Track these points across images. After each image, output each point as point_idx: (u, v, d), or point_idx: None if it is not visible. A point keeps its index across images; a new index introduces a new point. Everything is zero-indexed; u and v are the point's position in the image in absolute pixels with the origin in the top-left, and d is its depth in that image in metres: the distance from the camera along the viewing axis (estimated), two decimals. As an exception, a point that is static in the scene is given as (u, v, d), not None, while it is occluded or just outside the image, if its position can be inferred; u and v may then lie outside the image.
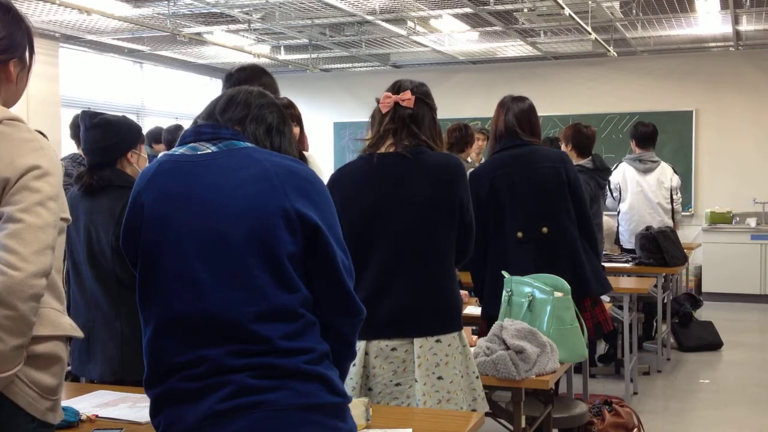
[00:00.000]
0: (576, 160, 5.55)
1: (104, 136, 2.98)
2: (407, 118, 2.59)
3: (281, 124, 1.81)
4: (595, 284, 3.52)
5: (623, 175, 6.55)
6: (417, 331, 2.51)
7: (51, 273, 1.60)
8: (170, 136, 5.12)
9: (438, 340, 2.51)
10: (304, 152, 2.85)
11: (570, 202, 3.50)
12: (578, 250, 3.47)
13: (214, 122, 1.75)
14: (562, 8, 6.84)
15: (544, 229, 3.44)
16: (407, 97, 2.60)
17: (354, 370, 2.51)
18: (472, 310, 3.77)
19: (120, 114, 3.17)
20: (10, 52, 1.73)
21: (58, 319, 1.69)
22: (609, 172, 5.88)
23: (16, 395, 1.61)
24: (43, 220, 1.56)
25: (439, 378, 2.49)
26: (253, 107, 1.78)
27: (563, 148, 5.65)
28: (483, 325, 3.51)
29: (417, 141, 2.58)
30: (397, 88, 2.65)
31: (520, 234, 3.43)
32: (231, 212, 1.64)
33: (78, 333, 1.76)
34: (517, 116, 3.53)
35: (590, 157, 5.63)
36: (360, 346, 2.51)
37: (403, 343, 2.52)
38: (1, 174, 1.58)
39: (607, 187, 6.32)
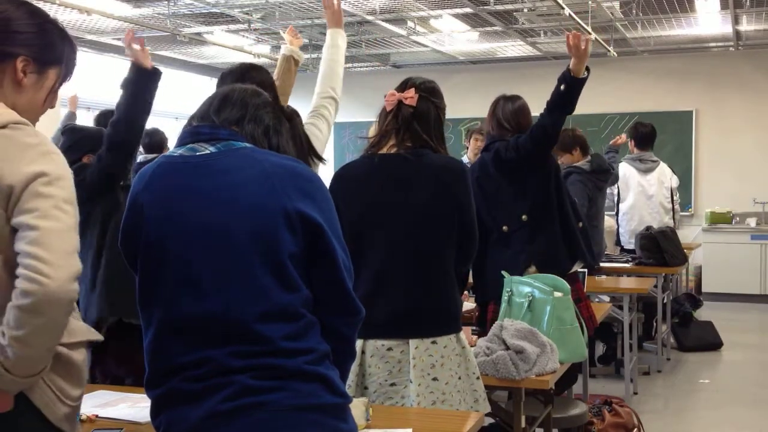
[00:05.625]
0: (579, 161, 5.55)
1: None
2: (410, 117, 2.58)
3: (278, 124, 1.81)
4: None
5: (624, 175, 6.55)
6: (412, 332, 2.50)
7: None
8: (147, 139, 5.08)
9: (434, 342, 2.50)
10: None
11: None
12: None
13: (210, 123, 1.75)
14: (562, 8, 6.85)
15: (505, 228, 3.52)
16: (410, 95, 2.58)
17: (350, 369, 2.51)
18: (468, 306, 3.78)
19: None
20: (19, 47, 1.67)
21: (73, 325, 1.64)
22: (608, 173, 5.80)
23: (33, 393, 1.57)
24: (64, 222, 1.51)
25: (434, 379, 2.48)
26: (249, 107, 1.77)
27: (571, 153, 5.59)
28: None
29: (419, 142, 2.57)
30: (403, 85, 2.64)
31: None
32: (232, 212, 1.63)
33: (96, 336, 1.72)
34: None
35: (588, 158, 5.60)
36: (357, 344, 2.51)
37: (398, 344, 2.51)
38: (5, 180, 1.52)
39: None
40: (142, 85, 3.10)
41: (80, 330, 1.67)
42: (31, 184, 1.51)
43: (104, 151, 3.17)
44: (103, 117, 3.74)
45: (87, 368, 1.71)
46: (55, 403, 1.60)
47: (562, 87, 3.31)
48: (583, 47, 3.27)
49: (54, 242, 1.47)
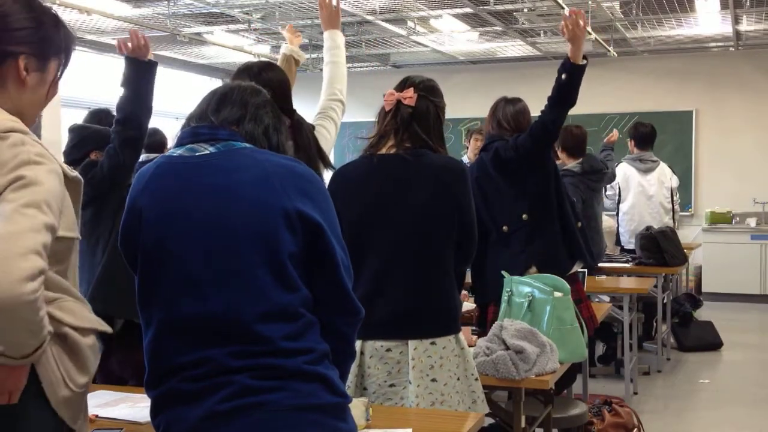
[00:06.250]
0: (566, 163, 5.50)
1: None
2: (409, 117, 2.56)
3: (278, 123, 1.81)
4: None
5: (624, 174, 6.55)
6: (411, 333, 2.50)
7: (43, 276, 1.47)
8: (148, 139, 5.04)
9: (433, 343, 2.50)
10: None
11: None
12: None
13: (209, 123, 1.74)
14: (562, 8, 6.85)
15: (505, 228, 3.52)
16: (409, 95, 2.57)
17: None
18: (468, 306, 3.78)
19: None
20: (21, 46, 1.64)
21: (81, 312, 1.65)
22: (601, 174, 5.75)
23: (42, 368, 1.55)
24: (20, 225, 1.45)
25: (433, 380, 2.48)
26: (249, 107, 1.76)
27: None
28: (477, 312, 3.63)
29: (419, 142, 2.56)
30: (402, 85, 2.63)
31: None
32: (232, 213, 1.63)
33: (105, 328, 1.71)
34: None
35: (580, 160, 5.55)
36: (356, 345, 2.50)
37: (397, 345, 2.51)
38: None
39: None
40: (144, 79, 3.10)
41: (87, 318, 1.66)
42: (5, 191, 1.49)
43: (117, 149, 3.16)
44: (94, 116, 3.73)
45: (97, 359, 1.69)
46: (59, 384, 1.58)
47: (563, 76, 3.31)
48: (582, 24, 3.28)
49: (3, 246, 1.42)
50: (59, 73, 1.74)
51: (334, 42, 3.05)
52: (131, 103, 3.11)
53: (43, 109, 1.76)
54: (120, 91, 3.13)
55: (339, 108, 2.97)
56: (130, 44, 3.04)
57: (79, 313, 1.64)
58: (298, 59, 3.11)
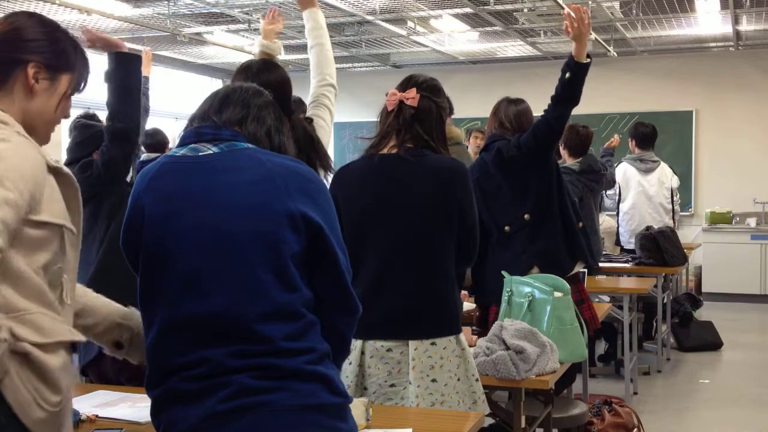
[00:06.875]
0: (567, 161, 5.52)
1: None
2: (410, 118, 2.56)
3: (279, 124, 1.81)
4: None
5: (624, 174, 6.56)
6: (412, 333, 2.50)
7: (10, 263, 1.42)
8: (149, 139, 5.03)
9: (433, 343, 2.49)
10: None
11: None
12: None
13: (212, 123, 1.74)
14: (562, 8, 6.84)
15: (507, 228, 3.53)
16: (411, 96, 2.56)
17: (350, 369, 2.51)
18: (468, 306, 3.78)
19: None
20: (31, 54, 1.65)
21: (46, 324, 1.54)
22: (599, 174, 5.71)
23: (6, 389, 1.47)
24: None
25: (433, 381, 2.48)
26: (252, 108, 1.77)
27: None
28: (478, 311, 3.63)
29: (420, 143, 2.56)
30: (404, 84, 2.62)
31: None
32: (235, 212, 1.64)
33: (78, 337, 1.62)
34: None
35: (579, 159, 5.55)
36: (356, 345, 2.50)
37: (398, 345, 2.51)
38: None
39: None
40: (123, 70, 3.06)
41: (55, 330, 1.56)
42: None
43: (108, 144, 3.17)
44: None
45: (70, 374, 1.61)
46: (31, 405, 1.50)
47: (567, 75, 3.32)
48: (586, 21, 3.28)
49: None
50: (71, 91, 1.73)
51: (316, 22, 2.92)
52: (114, 95, 3.09)
53: (55, 125, 1.73)
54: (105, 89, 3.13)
55: (331, 93, 2.85)
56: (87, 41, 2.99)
57: (46, 327, 1.53)
58: (271, 54, 2.97)
